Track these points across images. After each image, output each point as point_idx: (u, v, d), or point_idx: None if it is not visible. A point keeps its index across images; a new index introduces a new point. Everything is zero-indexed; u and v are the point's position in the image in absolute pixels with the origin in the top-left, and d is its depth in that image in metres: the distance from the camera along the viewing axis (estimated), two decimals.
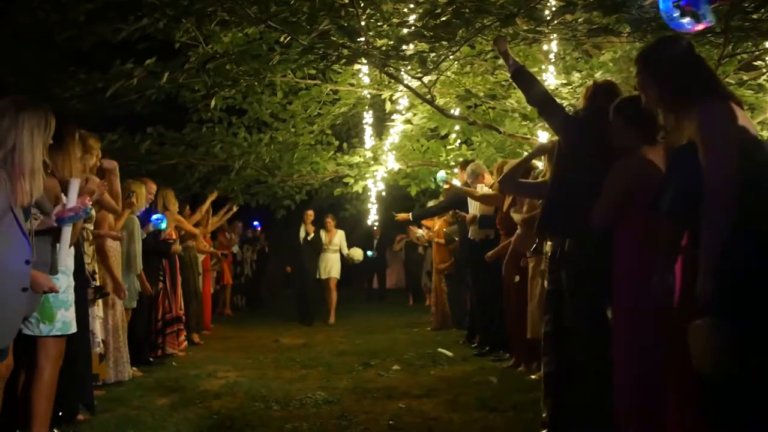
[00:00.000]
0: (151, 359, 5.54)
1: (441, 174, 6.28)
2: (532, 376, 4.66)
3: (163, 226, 5.54)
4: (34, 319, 2.77)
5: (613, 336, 2.69)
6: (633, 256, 2.61)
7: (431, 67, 4.58)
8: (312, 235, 8.95)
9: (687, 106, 2.09)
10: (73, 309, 2.95)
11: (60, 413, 3.27)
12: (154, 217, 5.45)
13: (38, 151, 2.39)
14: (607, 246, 2.70)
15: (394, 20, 4.49)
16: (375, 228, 10.65)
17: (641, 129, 2.66)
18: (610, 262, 2.70)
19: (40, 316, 2.80)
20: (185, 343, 6.34)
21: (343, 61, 4.72)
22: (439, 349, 6.10)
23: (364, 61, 4.86)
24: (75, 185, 2.75)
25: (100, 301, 4.19)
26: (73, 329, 2.95)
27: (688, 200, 2.04)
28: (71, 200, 2.69)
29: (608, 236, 2.71)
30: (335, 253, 9.10)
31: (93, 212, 3.22)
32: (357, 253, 9.45)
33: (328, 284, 9.05)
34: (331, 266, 9.06)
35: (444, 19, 3.89)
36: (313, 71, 6.07)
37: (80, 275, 3.41)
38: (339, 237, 9.18)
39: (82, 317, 3.53)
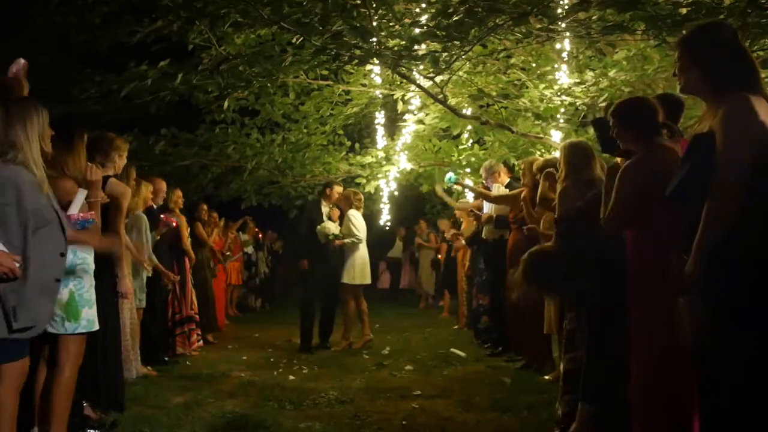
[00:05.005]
0: (166, 359, 5.58)
1: (449, 175, 6.25)
2: (546, 377, 4.65)
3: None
4: (59, 317, 2.81)
5: (628, 334, 2.68)
6: (645, 252, 2.60)
7: (443, 67, 4.57)
8: (336, 222, 6.54)
9: (718, 95, 2.08)
10: (95, 308, 2.98)
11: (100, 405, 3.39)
12: (163, 217, 5.44)
13: (35, 143, 2.44)
14: (615, 254, 2.74)
15: (406, 20, 4.49)
16: (389, 227, 10.14)
17: (640, 127, 2.69)
18: (617, 270, 2.72)
19: (66, 315, 2.84)
20: (198, 343, 6.36)
21: (356, 61, 4.73)
22: (452, 350, 6.10)
23: (377, 61, 4.87)
24: (80, 195, 2.83)
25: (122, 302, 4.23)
26: (96, 327, 2.99)
27: (695, 186, 2.05)
28: (73, 208, 2.77)
29: (615, 245, 2.74)
30: (356, 245, 6.47)
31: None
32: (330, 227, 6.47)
33: (352, 293, 6.52)
34: (354, 265, 6.47)
35: (456, 18, 3.88)
36: (325, 72, 6.10)
37: (108, 274, 3.46)
38: (350, 219, 6.48)
39: (113, 315, 3.58)
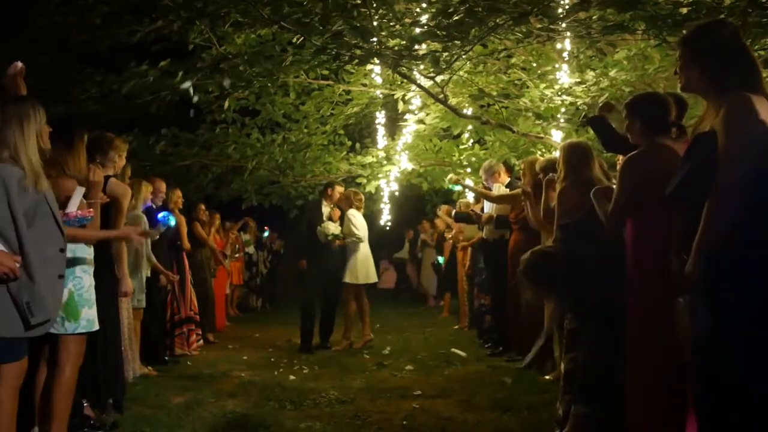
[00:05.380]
0: (166, 359, 5.58)
1: (451, 176, 6.25)
2: (546, 377, 4.64)
3: (173, 222, 5.53)
4: (60, 317, 2.80)
5: (627, 334, 2.68)
6: (645, 252, 2.60)
7: (444, 67, 4.57)
8: (337, 222, 6.55)
9: (719, 94, 2.07)
10: (95, 307, 2.99)
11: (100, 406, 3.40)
12: (160, 215, 5.38)
13: (31, 140, 2.43)
14: (616, 255, 2.73)
15: (407, 20, 4.48)
16: (397, 228, 10.00)
17: (649, 122, 2.69)
18: (618, 271, 2.72)
19: (66, 315, 2.84)
20: (197, 343, 6.36)
21: (356, 61, 4.73)
22: (453, 349, 6.10)
23: (377, 61, 4.87)
24: (78, 193, 2.84)
25: (122, 301, 4.24)
26: (96, 327, 2.99)
27: (695, 186, 2.05)
28: (71, 206, 2.77)
29: (617, 246, 2.73)
30: (357, 244, 6.47)
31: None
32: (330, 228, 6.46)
33: (354, 293, 6.53)
34: (356, 264, 6.46)
35: (457, 18, 3.88)
36: (325, 72, 6.09)
37: (108, 273, 3.47)
38: (350, 219, 6.46)
39: (113, 315, 3.59)
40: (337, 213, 6.60)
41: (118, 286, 3.66)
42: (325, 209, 6.57)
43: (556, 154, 4.96)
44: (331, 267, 6.45)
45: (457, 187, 6.35)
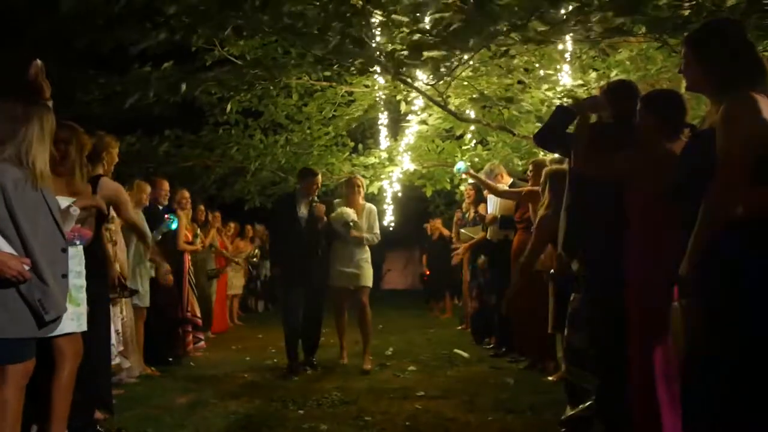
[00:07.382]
0: (170, 359, 5.59)
1: (460, 165, 6.14)
2: (549, 378, 4.65)
3: (174, 226, 5.54)
4: None
5: (627, 337, 2.68)
6: (643, 252, 2.60)
7: (444, 73, 4.57)
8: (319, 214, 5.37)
9: (723, 93, 2.06)
10: (84, 306, 2.96)
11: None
12: (165, 216, 5.39)
13: (45, 142, 2.43)
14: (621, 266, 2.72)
15: (404, 30, 4.47)
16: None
17: (663, 121, 2.68)
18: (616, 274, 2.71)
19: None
20: (200, 344, 6.37)
21: (356, 71, 4.74)
22: (455, 350, 6.11)
23: (378, 69, 4.87)
24: (74, 212, 2.82)
25: (124, 300, 4.26)
26: (84, 327, 2.97)
27: (693, 185, 2.04)
28: (66, 226, 2.73)
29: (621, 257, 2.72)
30: (360, 244, 5.42)
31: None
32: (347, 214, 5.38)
33: (356, 297, 5.44)
34: (357, 267, 5.40)
35: (455, 27, 3.88)
36: (327, 73, 6.11)
37: (99, 275, 3.46)
38: (366, 216, 5.48)
39: (102, 316, 3.58)
40: (322, 208, 5.43)
41: (106, 288, 3.60)
42: (302, 206, 5.34)
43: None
44: (318, 270, 5.39)
45: (465, 176, 6.17)
